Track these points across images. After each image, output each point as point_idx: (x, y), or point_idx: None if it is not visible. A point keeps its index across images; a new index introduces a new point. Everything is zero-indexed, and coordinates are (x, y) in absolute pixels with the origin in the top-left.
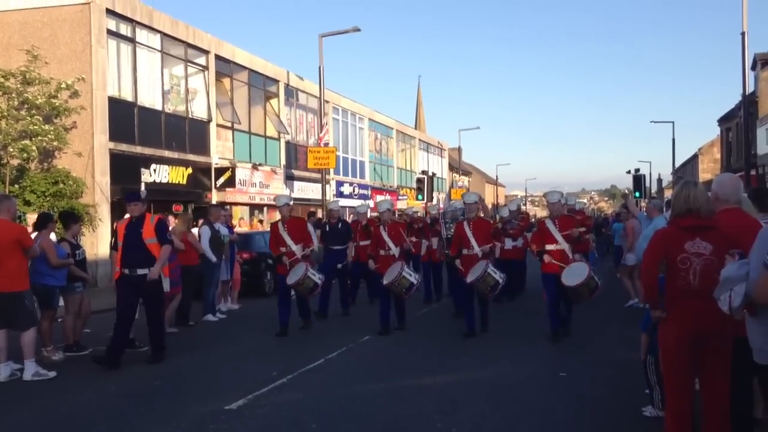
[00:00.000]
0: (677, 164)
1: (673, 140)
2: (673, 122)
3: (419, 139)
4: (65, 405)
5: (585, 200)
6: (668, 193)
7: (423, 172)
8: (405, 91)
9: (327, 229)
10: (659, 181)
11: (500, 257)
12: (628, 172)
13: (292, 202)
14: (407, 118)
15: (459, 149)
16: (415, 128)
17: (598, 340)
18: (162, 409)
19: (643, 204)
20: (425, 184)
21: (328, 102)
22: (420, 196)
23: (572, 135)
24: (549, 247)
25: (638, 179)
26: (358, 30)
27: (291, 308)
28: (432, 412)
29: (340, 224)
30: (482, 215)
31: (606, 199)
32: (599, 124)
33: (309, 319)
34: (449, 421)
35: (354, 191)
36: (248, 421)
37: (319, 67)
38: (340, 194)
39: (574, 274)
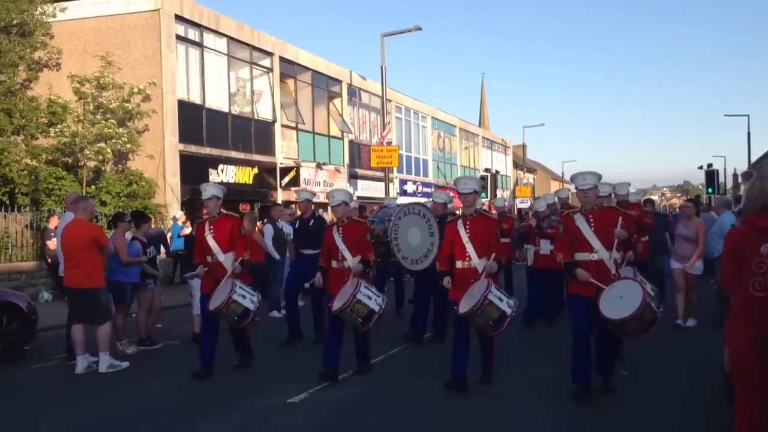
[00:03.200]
0: (753, 159)
1: (749, 134)
2: (748, 116)
3: (482, 137)
4: (138, 395)
5: (656, 197)
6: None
7: (486, 170)
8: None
9: (296, 226)
10: (735, 176)
11: (534, 265)
12: (701, 167)
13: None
14: (471, 115)
15: (523, 146)
16: (479, 126)
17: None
18: (227, 401)
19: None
20: (489, 182)
21: (390, 101)
22: (483, 194)
23: (642, 129)
24: (580, 256)
25: (711, 175)
26: (420, 29)
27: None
28: (492, 409)
29: (312, 221)
30: (486, 210)
31: (679, 195)
32: (670, 118)
33: (247, 355)
34: (509, 418)
35: (417, 189)
36: (309, 414)
37: (381, 67)
38: (403, 192)
39: (620, 299)
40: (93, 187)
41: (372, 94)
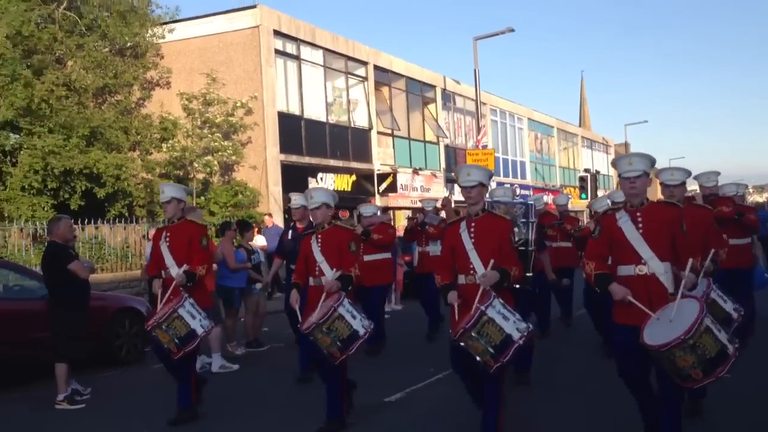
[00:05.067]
0: None
1: None
2: None
3: (582, 137)
4: (246, 392)
5: None
6: None
7: (586, 170)
8: (567, 89)
9: (289, 236)
10: None
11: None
12: None
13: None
14: (570, 115)
15: (626, 144)
16: (579, 125)
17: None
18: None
19: None
20: (588, 182)
21: (485, 104)
22: (584, 195)
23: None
24: (624, 270)
25: None
26: (512, 30)
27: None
28: (579, 412)
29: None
30: (497, 211)
31: None
32: None
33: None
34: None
35: (516, 192)
36: (405, 413)
37: (475, 70)
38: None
39: (669, 323)
40: (202, 198)
41: (466, 97)
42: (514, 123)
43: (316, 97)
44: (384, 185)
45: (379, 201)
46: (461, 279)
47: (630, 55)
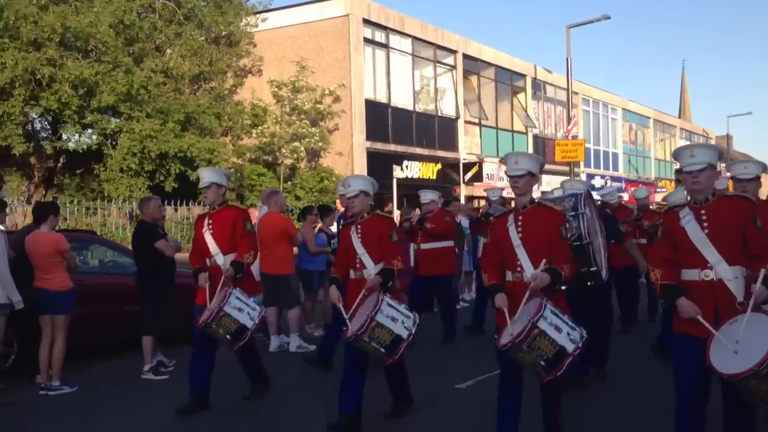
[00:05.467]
0: None
1: None
2: None
3: (680, 128)
4: (322, 373)
5: None
6: None
7: None
8: (666, 78)
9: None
10: None
11: None
12: None
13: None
14: (668, 106)
15: (728, 137)
16: (679, 116)
17: None
18: None
19: None
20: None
21: (577, 93)
22: (679, 188)
23: None
24: (688, 274)
25: None
26: (608, 18)
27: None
28: (649, 410)
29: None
30: (545, 203)
31: None
32: None
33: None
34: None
35: (606, 184)
36: (474, 400)
37: (567, 59)
38: (590, 188)
39: (735, 344)
40: (289, 183)
41: (557, 87)
42: (608, 113)
43: (404, 86)
44: (469, 174)
45: (464, 190)
46: (508, 276)
47: (735, 41)
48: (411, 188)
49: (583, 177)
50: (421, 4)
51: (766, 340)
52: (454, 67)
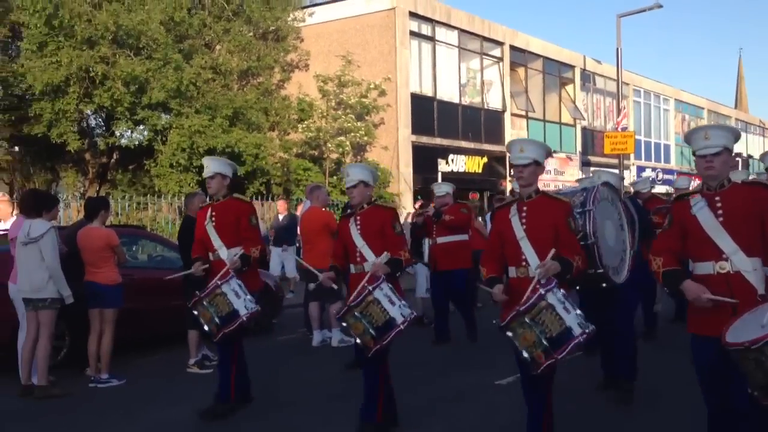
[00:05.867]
0: None
1: None
2: None
3: (736, 119)
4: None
5: None
6: None
7: (737, 155)
8: (721, 67)
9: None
10: None
11: None
12: None
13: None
14: (724, 96)
15: None
16: (735, 107)
17: None
18: (435, 378)
19: None
20: (739, 168)
21: (627, 84)
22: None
23: None
24: (701, 267)
25: None
26: (660, 6)
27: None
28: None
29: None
30: (549, 192)
31: None
32: None
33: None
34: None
35: (657, 176)
36: (513, 397)
37: (617, 49)
38: (620, 179)
39: (760, 328)
40: (335, 177)
41: (607, 78)
42: (659, 104)
43: (450, 79)
44: None
45: (509, 184)
46: (512, 272)
47: None
48: (457, 182)
49: (634, 169)
50: None
51: None
52: (501, 59)
